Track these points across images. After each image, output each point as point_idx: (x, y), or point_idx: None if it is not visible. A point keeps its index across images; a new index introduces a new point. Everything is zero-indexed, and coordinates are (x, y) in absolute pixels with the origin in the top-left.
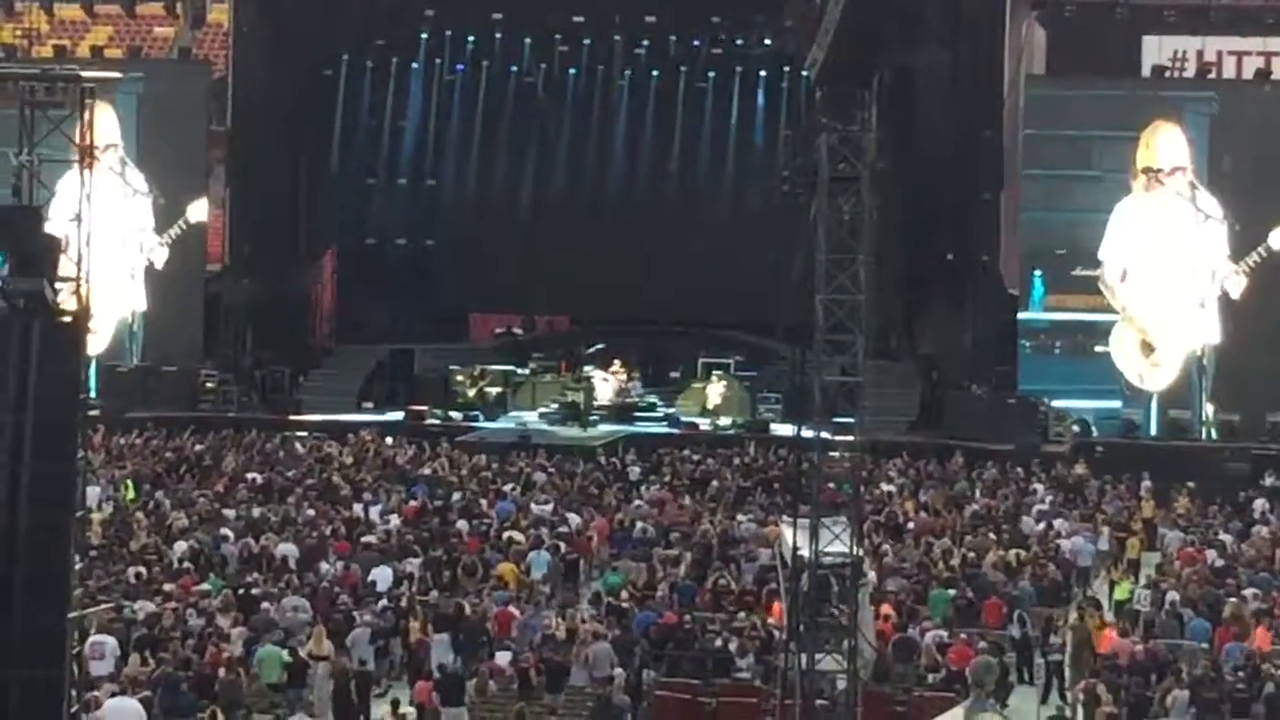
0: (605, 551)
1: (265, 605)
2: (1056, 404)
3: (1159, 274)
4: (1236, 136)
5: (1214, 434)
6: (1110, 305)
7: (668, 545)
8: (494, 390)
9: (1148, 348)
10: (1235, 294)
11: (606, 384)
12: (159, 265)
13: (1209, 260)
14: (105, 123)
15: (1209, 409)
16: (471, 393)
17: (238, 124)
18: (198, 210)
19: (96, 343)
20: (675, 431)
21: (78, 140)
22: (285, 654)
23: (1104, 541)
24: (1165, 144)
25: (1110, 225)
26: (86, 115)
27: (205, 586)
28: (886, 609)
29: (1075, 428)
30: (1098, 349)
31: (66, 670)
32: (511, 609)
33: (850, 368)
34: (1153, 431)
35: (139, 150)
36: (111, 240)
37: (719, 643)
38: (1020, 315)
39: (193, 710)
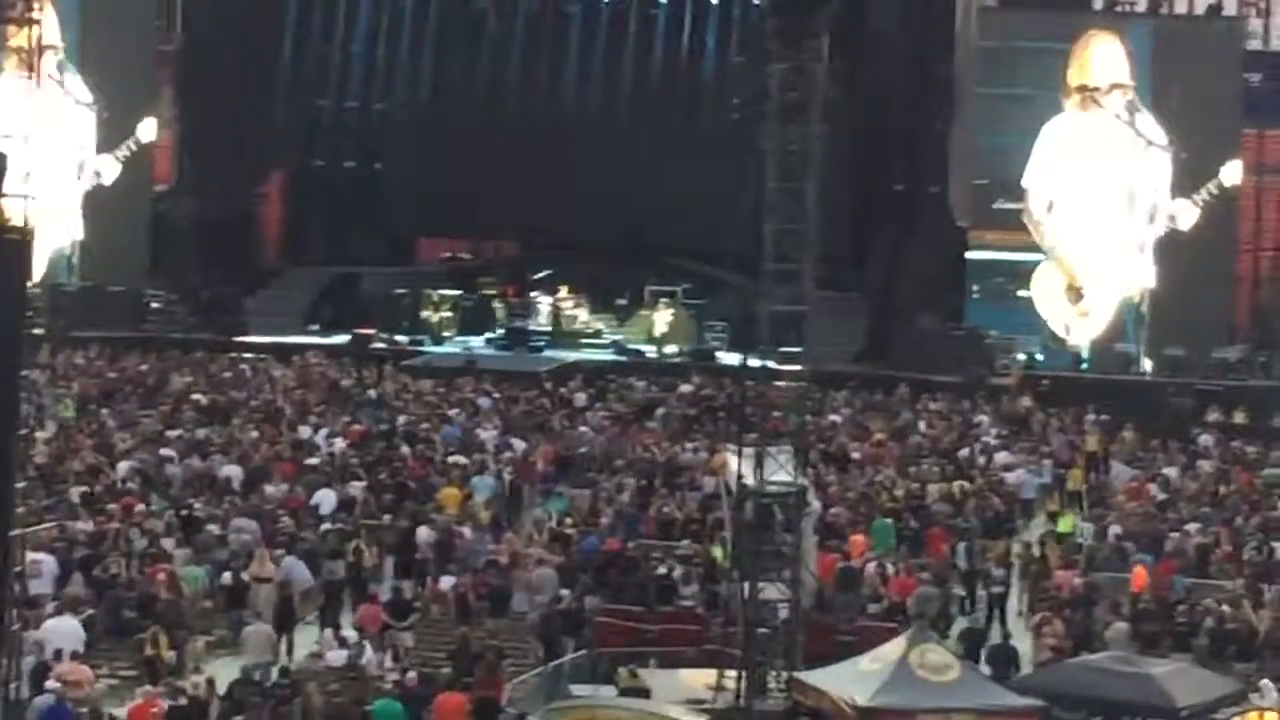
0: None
1: (209, 526)
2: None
3: (1091, 207)
4: (1183, 59)
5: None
6: (1035, 242)
7: (612, 472)
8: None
9: (1075, 293)
10: (1185, 225)
11: (553, 309)
12: (107, 182)
13: (1149, 193)
14: (46, 24)
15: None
16: (436, 317)
17: (187, 43)
18: (147, 129)
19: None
20: (622, 359)
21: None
22: (204, 574)
23: (1047, 474)
24: (1102, 59)
25: (1036, 149)
26: (25, 13)
27: (149, 508)
28: (858, 539)
29: (1021, 358)
30: (1020, 294)
31: (6, 588)
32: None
33: (797, 297)
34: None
35: (83, 62)
36: (48, 158)
37: (662, 570)
38: None
39: (135, 630)
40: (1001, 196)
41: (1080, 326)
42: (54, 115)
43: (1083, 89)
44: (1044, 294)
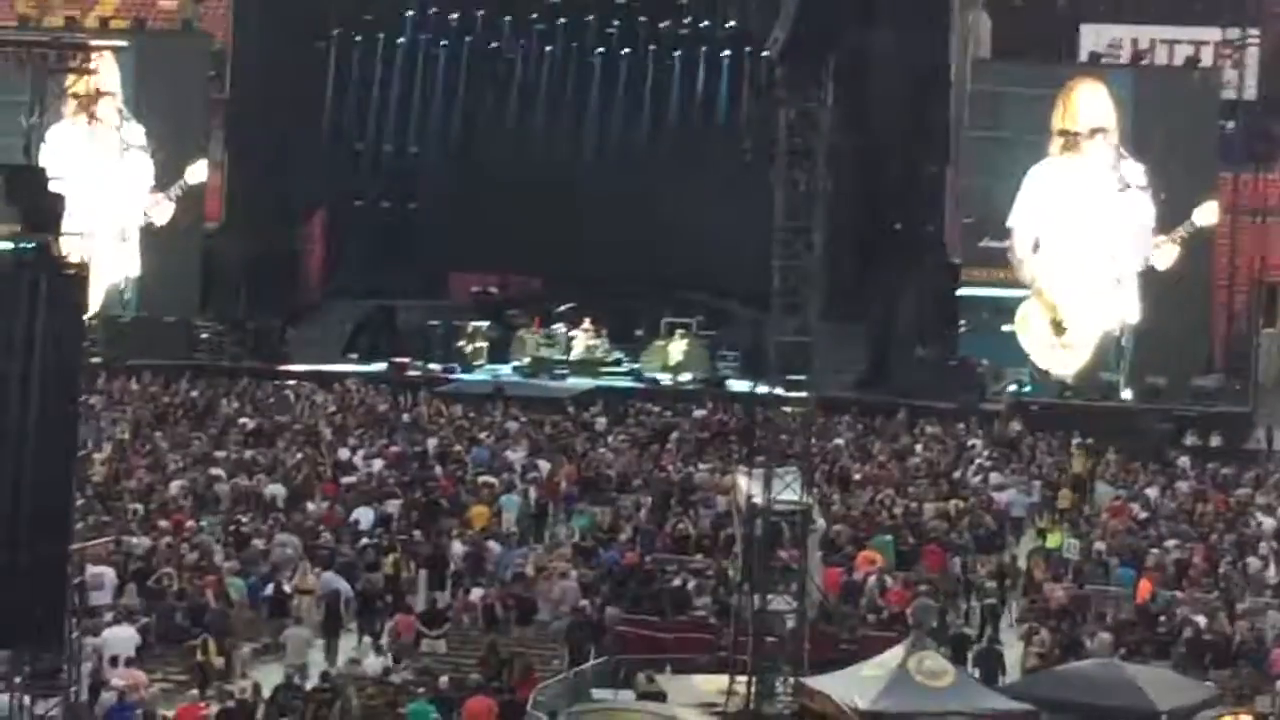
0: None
1: (255, 541)
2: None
3: (1075, 246)
4: (1163, 107)
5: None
6: (1019, 280)
7: (631, 491)
8: (485, 343)
9: (1059, 327)
10: (1162, 264)
11: (576, 340)
12: (160, 222)
13: (1130, 233)
14: (105, 72)
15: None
16: (469, 347)
17: (236, 92)
18: (197, 171)
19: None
20: (640, 386)
21: (75, 90)
22: (244, 585)
23: (1036, 494)
24: (1085, 104)
25: (1023, 191)
26: (83, 64)
27: (199, 524)
28: (872, 555)
29: (1011, 387)
30: (1004, 328)
31: (68, 599)
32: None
33: (802, 329)
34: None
35: (139, 110)
36: (105, 199)
37: (677, 582)
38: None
39: (186, 638)
40: (987, 236)
41: (1062, 359)
42: (111, 158)
43: (1065, 133)
44: (1027, 328)
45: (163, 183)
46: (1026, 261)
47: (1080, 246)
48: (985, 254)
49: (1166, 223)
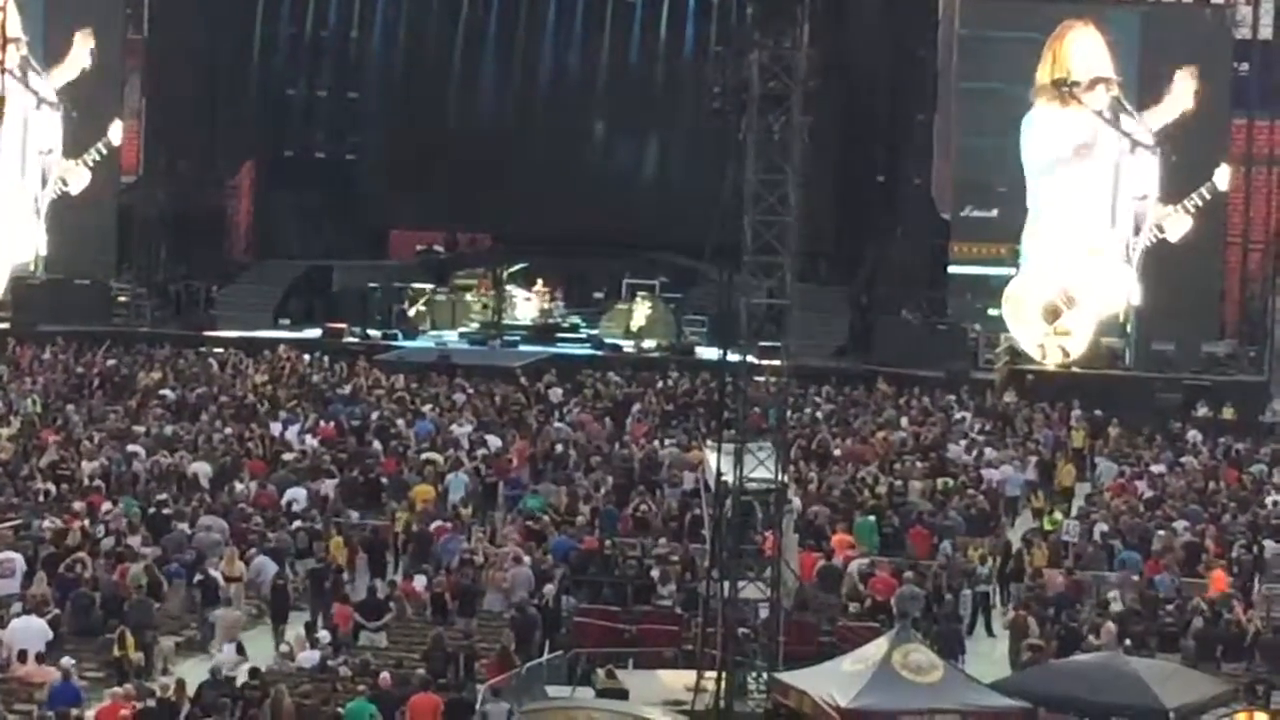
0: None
1: (178, 525)
2: None
3: (1071, 217)
4: (1171, 48)
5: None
6: (1005, 256)
7: (589, 469)
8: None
9: (1053, 312)
10: (1174, 235)
11: (529, 304)
12: (75, 191)
13: (1135, 201)
14: (9, 14)
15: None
16: (413, 311)
17: (154, 32)
18: (118, 131)
19: None
20: (598, 353)
21: None
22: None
23: (1031, 471)
24: (1081, 51)
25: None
26: None
27: (116, 506)
28: (848, 538)
29: (1005, 356)
30: (991, 312)
31: None
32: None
33: (778, 291)
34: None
35: (47, 59)
36: (12, 164)
37: (640, 569)
38: None
39: (101, 630)
40: (970, 205)
41: (1057, 347)
42: (16, 116)
43: (1060, 84)
44: (1017, 312)
45: (79, 144)
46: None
47: (1078, 216)
48: (969, 225)
49: (1177, 185)
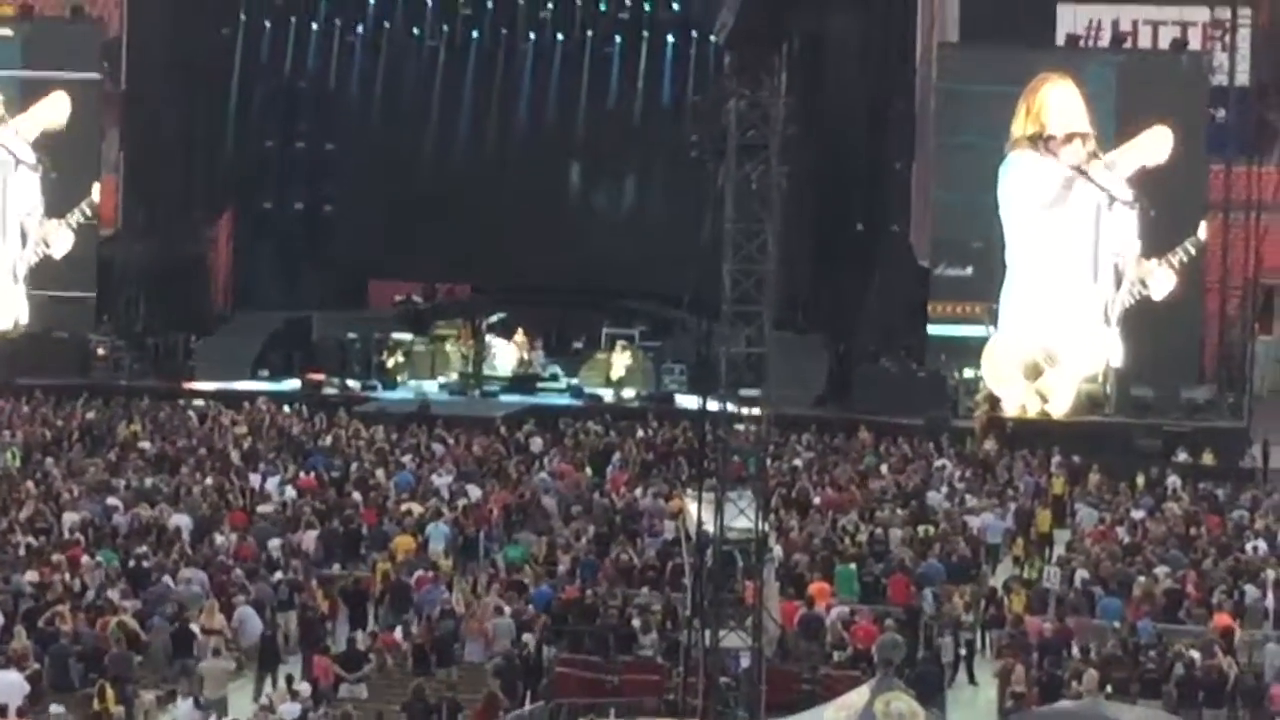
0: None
1: (159, 578)
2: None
3: (1048, 275)
4: (1148, 96)
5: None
6: (973, 314)
7: (569, 519)
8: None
9: (1034, 370)
10: (1159, 293)
11: (508, 354)
12: (57, 254)
13: (1115, 257)
14: None
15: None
16: (391, 362)
17: (132, 85)
18: (100, 191)
19: None
20: (578, 403)
21: None
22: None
23: (1010, 518)
24: (1058, 105)
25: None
26: None
27: (96, 559)
28: (823, 586)
29: (984, 403)
30: (967, 373)
31: None
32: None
33: (756, 339)
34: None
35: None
36: None
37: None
38: None
39: (82, 684)
40: (943, 263)
41: (1038, 408)
42: None
43: (1036, 138)
44: (995, 372)
45: (60, 203)
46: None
47: (1056, 274)
48: (943, 284)
49: (1158, 238)
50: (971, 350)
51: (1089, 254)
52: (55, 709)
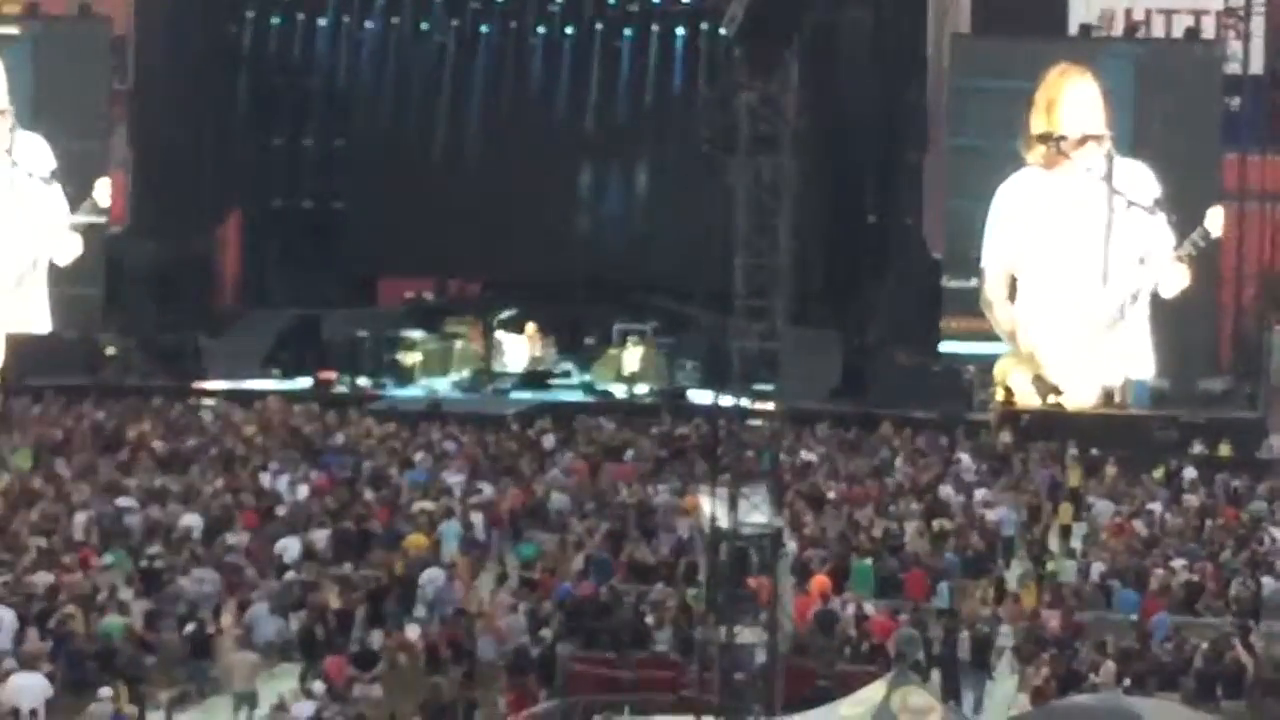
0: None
1: (170, 578)
2: None
3: (1061, 287)
4: (1163, 87)
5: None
6: (986, 329)
7: (583, 516)
8: (419, 355)
9: (1047, 386)
10: (1169, 290)
11: (520, 350)
12: (64, 262)
13: (1133, 265)
14: None
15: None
16: (407, 359)
17: (140, 82)
18: (104, 191)
19: None
20: (591, 399)
21: None
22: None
23: (1023, 512)
24: (1072, 102)
25: (992, 218)
26: None
27: (107, 559)
28: (821, 580)
29: (1000, 395)
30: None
31: None
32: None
33: (769, 334)
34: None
35: (35, 113)
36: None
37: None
38: None
39: (96, 684)
40: (948, 273)
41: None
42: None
43: (1047, 138)
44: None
45: (71, 204)
46: (998, 306)
47: (1070, 285)
48: (952, 297)
49: (1176, 240)
50: (985, 368)
51: (1102, 265)
52: (103, 691)
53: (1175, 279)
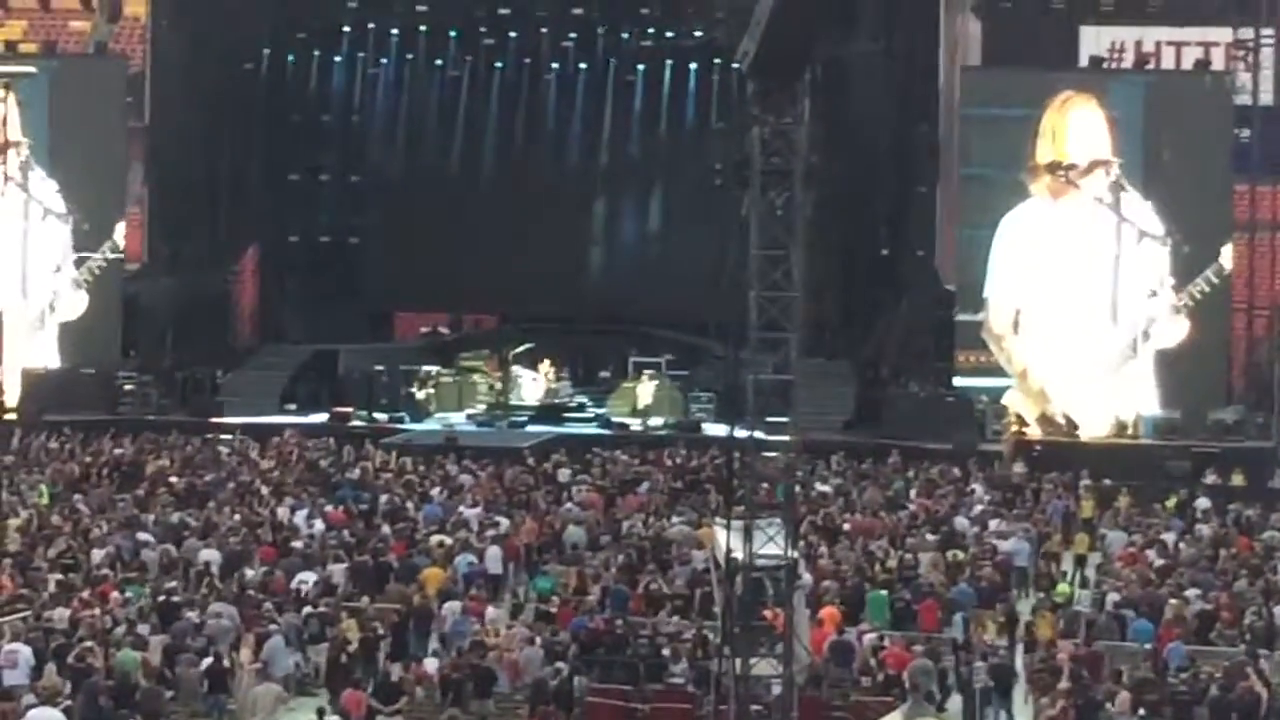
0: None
1: (187, 613)
2: None
3: (1070, 323)
4: (1173, 117)
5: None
6: (998, 364)
7: (598, 548)
8: (435, 390)
9: (1051, 424)
10: (1170, 341)
11: (535, 384)
12: (71, 315)
13: (1142, 298)
14: (9, 117)
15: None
16: (422, 393)
17: (156, 120)
18: (122, 233)
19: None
20: (606, 432)
21: None
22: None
23: (1038, 541)
24: (1078, 128)
25: (995, 249)
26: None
27: (125, 594)
28: (831, 612)
29: (1013, 425)
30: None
31: None
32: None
33: (783, 366)
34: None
35: (51, 150)
36: (15, 276)
37: (651, 647)
38: None
39: None
40: (958, 306)
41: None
42: (14, 225)
43: (1054, 167)
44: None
45: (88, 243)
46: (1005, 340)
47: (1076, 319)
48: (964, 331)
49: (1186, 267)
50: (993, 402)
51: (1110, 298)
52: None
53: (1174, 331)
